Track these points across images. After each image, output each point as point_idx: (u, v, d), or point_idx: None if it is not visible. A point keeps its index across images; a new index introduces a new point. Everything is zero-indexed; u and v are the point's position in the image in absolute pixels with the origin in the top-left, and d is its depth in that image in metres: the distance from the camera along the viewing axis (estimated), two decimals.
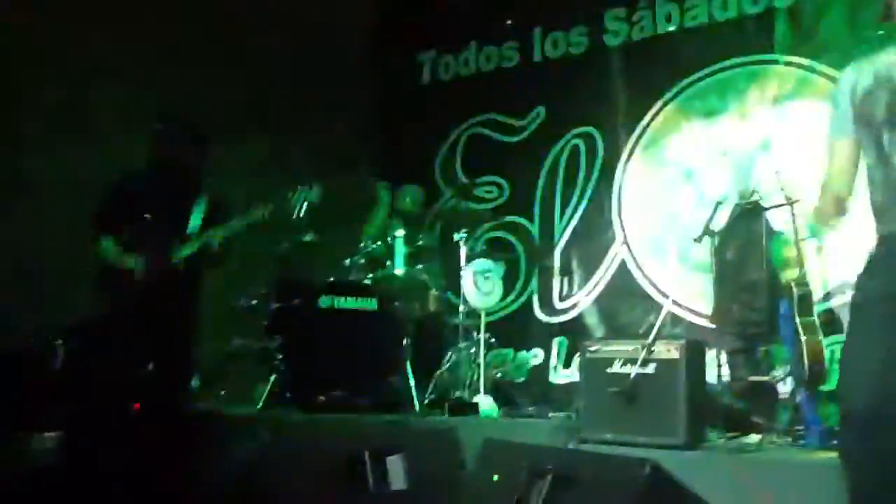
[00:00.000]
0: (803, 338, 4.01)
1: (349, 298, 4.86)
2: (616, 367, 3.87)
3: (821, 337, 4.09)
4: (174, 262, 4.01)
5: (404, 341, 4.88)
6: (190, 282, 4.10)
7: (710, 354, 4.21)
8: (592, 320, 5.71)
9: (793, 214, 4.42)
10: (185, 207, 4.13)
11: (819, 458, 3.53)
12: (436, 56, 6.75)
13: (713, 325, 4.58)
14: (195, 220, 4.10)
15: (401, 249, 5.15)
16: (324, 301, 4.85)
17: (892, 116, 2.21)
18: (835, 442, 3.37)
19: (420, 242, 5.26)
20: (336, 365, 4.74)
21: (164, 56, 5.43)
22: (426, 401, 4.70)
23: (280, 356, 4.80)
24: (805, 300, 4.11)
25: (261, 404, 4.64)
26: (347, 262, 5.23)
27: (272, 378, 4.71)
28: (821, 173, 2.41)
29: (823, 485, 3.22)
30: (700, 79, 5.50)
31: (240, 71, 5.83)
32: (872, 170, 2.29)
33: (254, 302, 5.14)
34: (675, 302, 4.85)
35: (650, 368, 3.77)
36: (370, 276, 5.15)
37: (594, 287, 5.75)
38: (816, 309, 4.21)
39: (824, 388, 4.17)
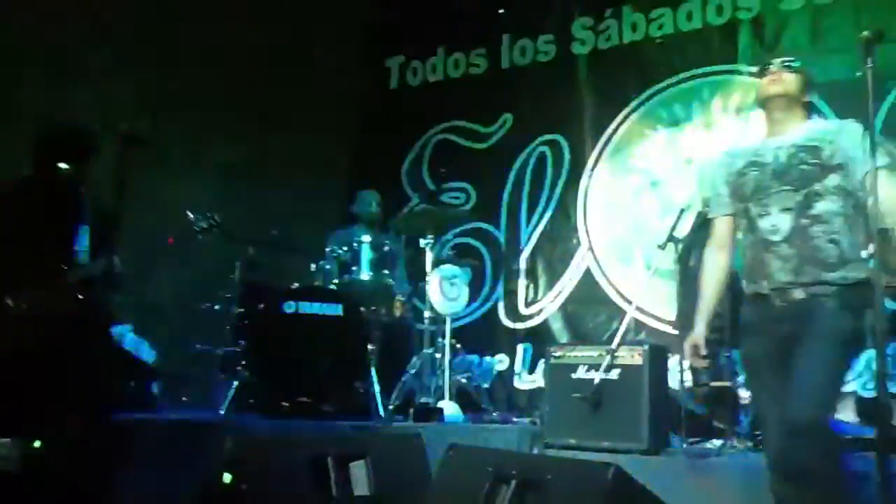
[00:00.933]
0: None
1: (314, 303, 4.82)
2: (580, 373, 3.89)
3: None
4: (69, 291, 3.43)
5: (369, 347, 4.86)
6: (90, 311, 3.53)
7: (674, 360, 4.25)
8: (557, 326, 5.74)
9: None
10: (69, 230, 3.52)
11: None
12: (404, 61, 6.76)
13: (676, 331, 4.62)
14: (81, 244, 3.50)
15: (367, 254, 5.14)
16: (288, 306, 4.80)
17: (757, 192, 2.65)
18: None
19: (386, 248, 5.26)
20: (300, 370, 4.70)
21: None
22: (391, 406, 4.68)
23: (244, 361, 4.75)
24: None
25: (224, 410, 4.58)
26: (313, 266, 5.19)
27: (235, 383, 4.66)
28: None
29: None
30: (665, 88, 5.57)
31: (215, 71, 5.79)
32: (745, 236, 2.71)
33: (217, 306, 5.08)
34: (639, 308, 4.89)
35: (614, 374, 3.80)
36: (336, 280, 5.12)
37: (559, 293, 5.78)
38: None
39: None
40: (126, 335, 5.01)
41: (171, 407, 4.92)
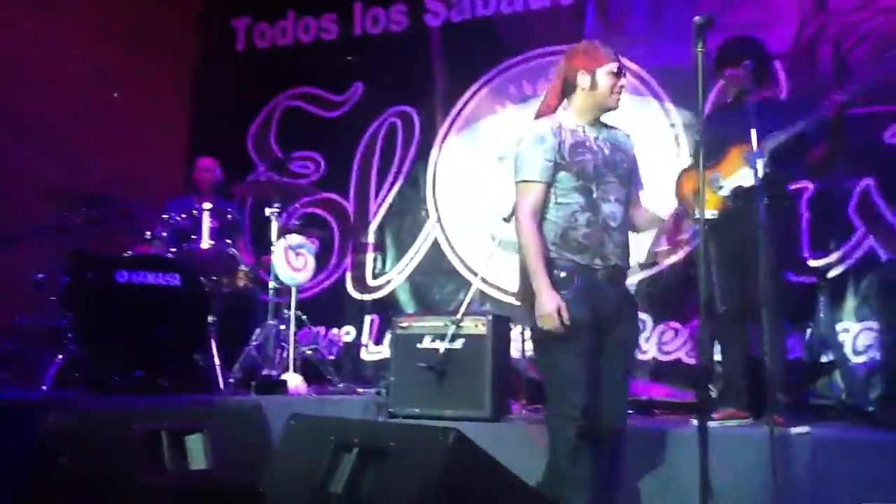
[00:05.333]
0: None
1: (149, 273, 4.57)
2: (426, 343, 3.92)
3: None
4: None
5: (209, 318, 4.67)
6: None
7: (516, 330, 4.35)
8: (404, 297, 5.75)
9: None
10: None
11: None
12: (251, 23, 6.50)
13: (518, 303, 4.73)
14: None
15: (207, 222, 4.93)
16: (121, 275, 4.53)
17: (597, 175, 2.82)
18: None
19: (229, 216, 5.08)
20: (134, 343, 4.45)
21: None
22: (232, 379, 4.54)
23: (71, 335, 4.45)
24: None
25: (46, 386, 4.27)
26: (148, 234, 4.93)
27: (60, 357, 4.35)
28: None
29: None
30: (514, 64, 5.65)
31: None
32: (578, 213, 2.80)
33: (42, 276, 4.72)
34: (483, 280, 4.98)
35: (459, 343, 3.85)
36: (173, 249, 4.88)
37: (407, 265, 5.79)
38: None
39: None
40: None
41: None
